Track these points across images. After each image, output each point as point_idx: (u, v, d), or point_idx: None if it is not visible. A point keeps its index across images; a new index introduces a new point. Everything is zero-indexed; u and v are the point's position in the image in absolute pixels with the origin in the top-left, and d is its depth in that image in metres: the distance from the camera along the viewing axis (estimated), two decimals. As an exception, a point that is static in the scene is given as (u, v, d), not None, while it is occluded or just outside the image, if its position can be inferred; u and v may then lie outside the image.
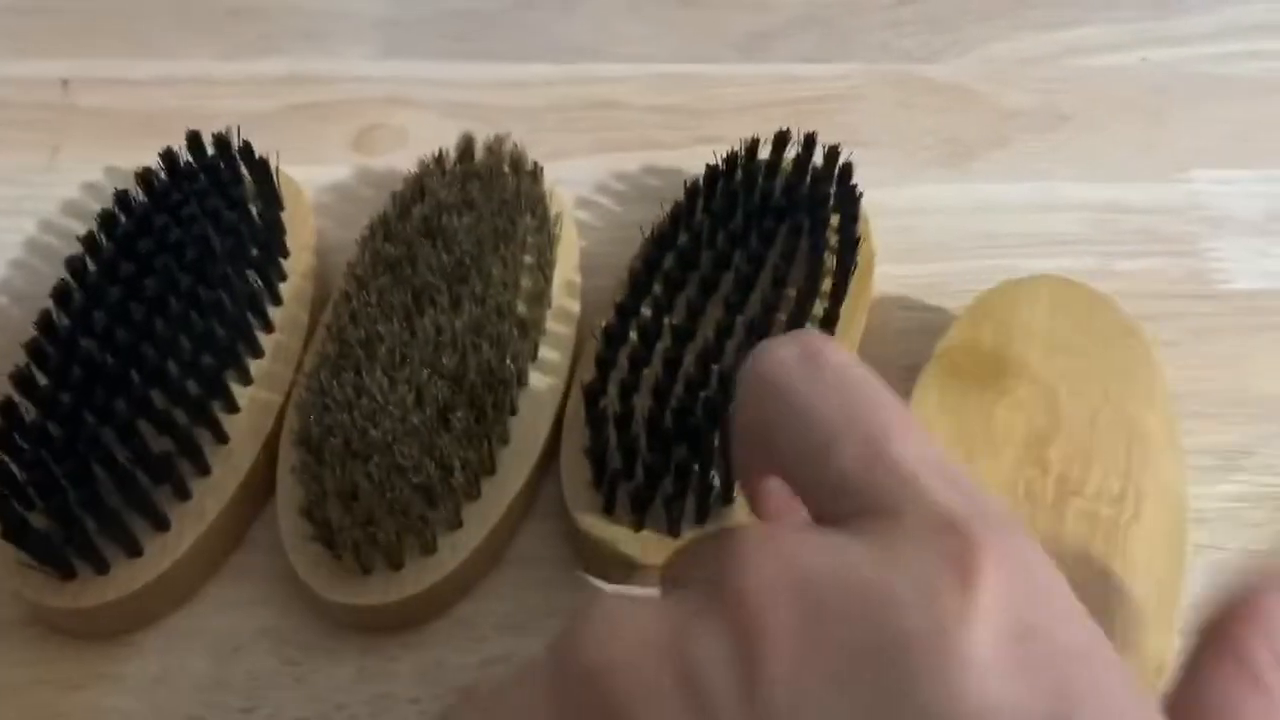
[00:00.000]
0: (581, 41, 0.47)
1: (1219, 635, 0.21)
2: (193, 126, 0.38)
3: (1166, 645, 0.30)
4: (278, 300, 0.36)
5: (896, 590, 0.18)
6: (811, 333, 0.24)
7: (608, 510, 0.32)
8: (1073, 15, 0.49)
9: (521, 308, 0.35)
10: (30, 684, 0.31)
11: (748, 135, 0.41)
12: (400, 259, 0.35)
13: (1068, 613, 0.18)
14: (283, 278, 0.37)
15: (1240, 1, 0.49)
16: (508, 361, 0.33)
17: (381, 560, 0.31)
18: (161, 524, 0.32)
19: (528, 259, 0.36)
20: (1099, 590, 0.30)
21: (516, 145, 0.38)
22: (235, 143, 0.38)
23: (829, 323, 0.35)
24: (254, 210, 0.37)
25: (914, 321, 0.39)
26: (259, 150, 0.39)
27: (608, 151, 0.43)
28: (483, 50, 0.46)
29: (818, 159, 0.38)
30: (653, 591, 0.21)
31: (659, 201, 0.39)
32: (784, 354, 0.23)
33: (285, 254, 0.37)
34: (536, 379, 0.35)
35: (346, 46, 0.46)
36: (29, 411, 0.32)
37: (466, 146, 0.38)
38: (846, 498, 0.20)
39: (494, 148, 0.38)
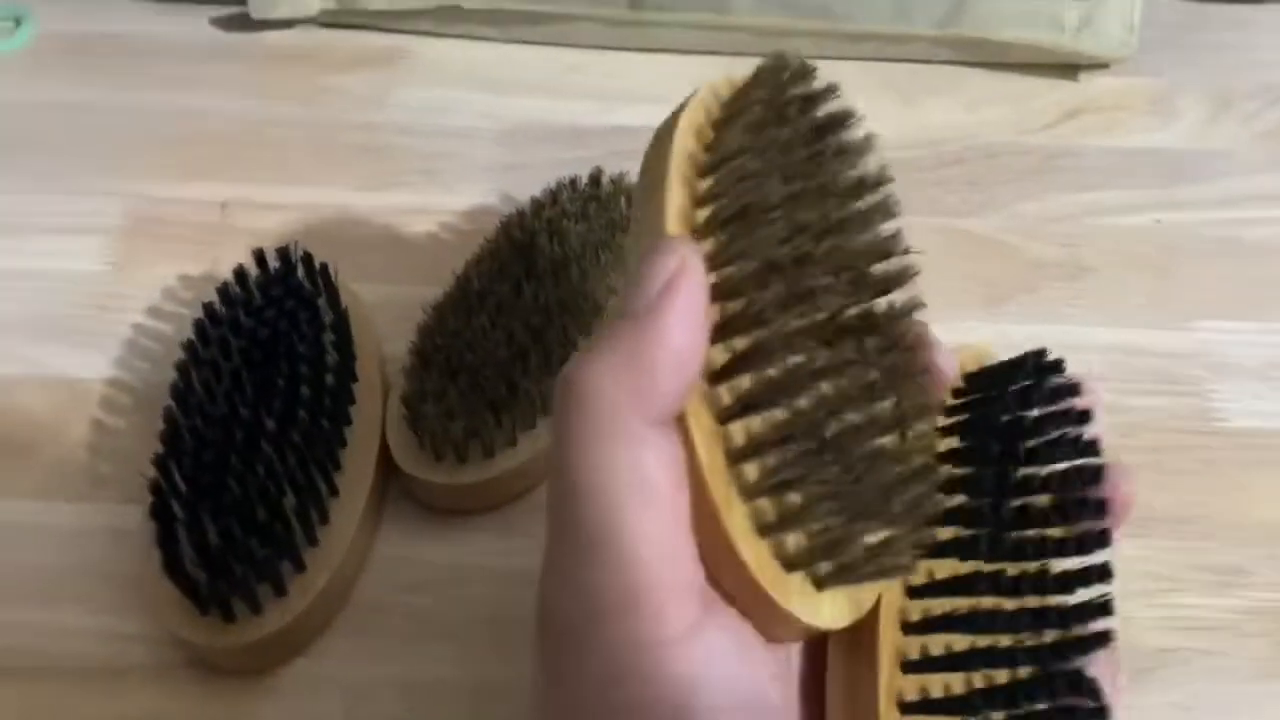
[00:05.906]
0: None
1: None
2: (332, 246, 0.45)
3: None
4: (354, 377, 0.42)
5: None
6: (589, 343, 0.25)
7: None
8: (1094, 180, 0.55)
9: (600, 296, 0.43)
10: (191, 718, 0.37)
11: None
12: (525, 243, 0.44)
13: None
14: (354, 358, 0.42)
15: (1241, 174, 0.56)
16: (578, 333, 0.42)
17: (453, 452, 0.40)
18: (300, 566, 0.38)
19: (614, 265, 0.45)
20: None
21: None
22: (294, 255, 0.44)
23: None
24: (321, 306, 0.43)
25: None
26: (379, 266, 0.46)
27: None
28: (579, 191, 0.53)
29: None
30: None
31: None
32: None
33: (352, 341, 0.43)
34: None
35: (460, 184, 0.53)
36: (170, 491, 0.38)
37: (595, 176, 0.48)
38: None
39: (617, 181, 0.48)
